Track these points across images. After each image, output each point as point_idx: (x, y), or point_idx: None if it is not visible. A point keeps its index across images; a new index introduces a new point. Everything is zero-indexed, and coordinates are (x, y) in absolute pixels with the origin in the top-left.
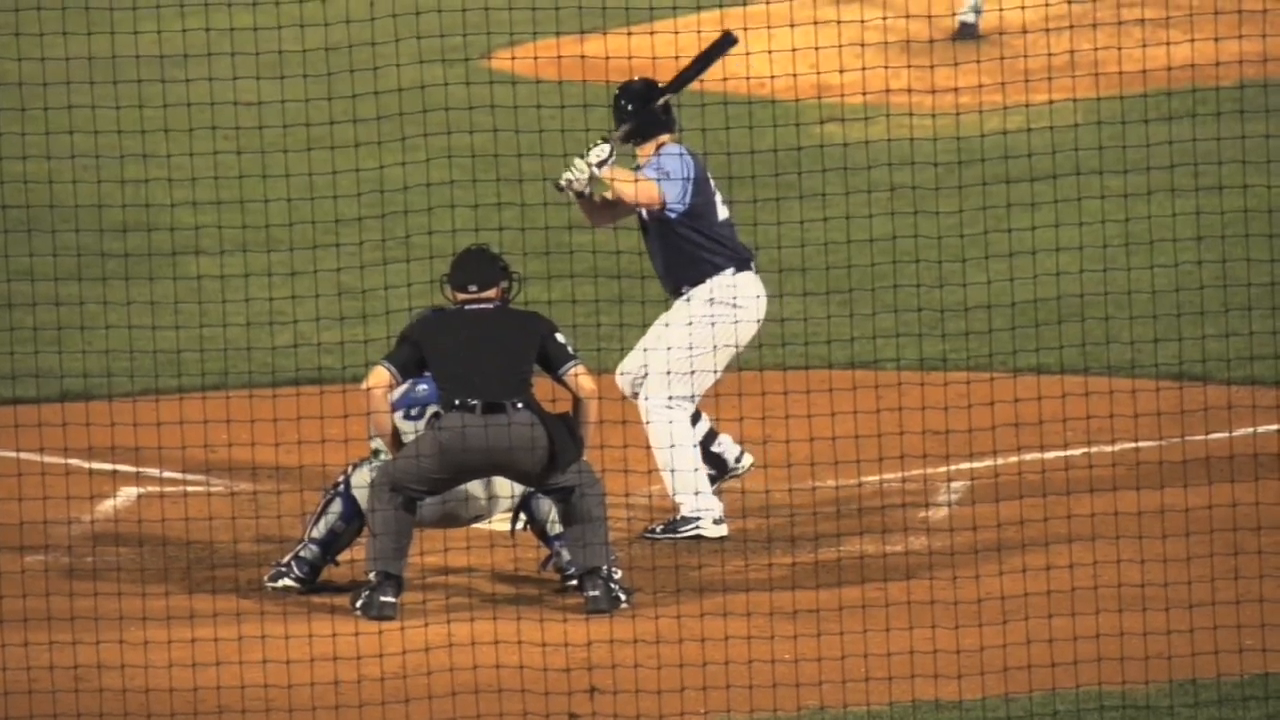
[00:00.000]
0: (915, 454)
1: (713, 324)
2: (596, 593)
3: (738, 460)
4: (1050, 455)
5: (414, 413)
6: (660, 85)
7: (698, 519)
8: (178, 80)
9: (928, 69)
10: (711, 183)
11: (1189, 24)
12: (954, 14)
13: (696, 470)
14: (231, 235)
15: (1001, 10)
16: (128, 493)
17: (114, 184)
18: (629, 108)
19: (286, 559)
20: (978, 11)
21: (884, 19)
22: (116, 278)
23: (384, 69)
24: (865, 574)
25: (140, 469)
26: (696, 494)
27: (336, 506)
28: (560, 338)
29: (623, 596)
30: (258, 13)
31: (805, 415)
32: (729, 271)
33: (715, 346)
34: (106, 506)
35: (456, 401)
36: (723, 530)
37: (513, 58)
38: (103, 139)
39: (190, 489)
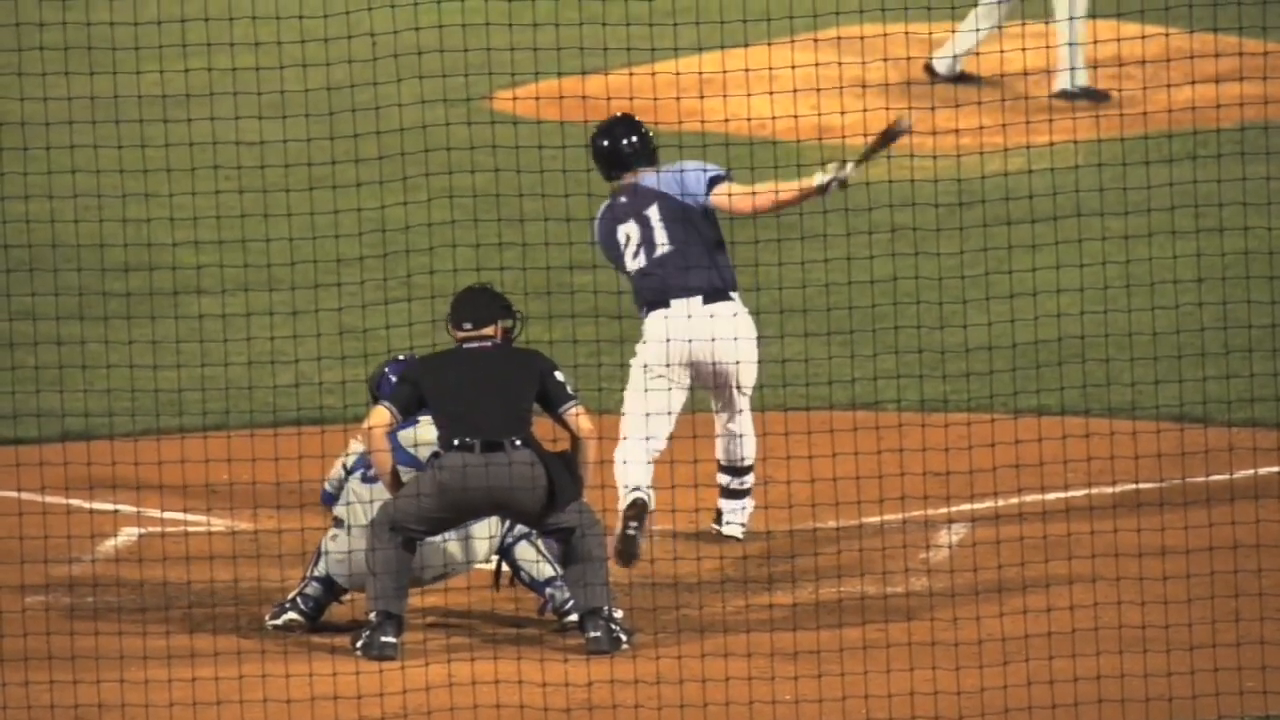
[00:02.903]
0: (916, 495)
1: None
2: (598, 634)
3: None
4: (1051, 496)
5: (370, 474)
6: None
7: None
8: (180, 120)
9: (929, 110)
10: (620, 233)
11: (1190, 66)
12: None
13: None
14: (233, 275)
15: (1002, 52)
16: (129, 532)
17: (116, 223)
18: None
19: (291, 595)
20: (1073, 68)
21: (884, 60)
22: (118, 317)
23: (386, 109)
24: (866, 615)
25: (141, 508)
26: (625, 463)
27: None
28: (560, 376)
29: (624, 637)
30: (260, 53)
31: (806, 456)
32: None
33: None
34: (107, 546)
35: (456, 441)
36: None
37: (514, 98)
38: (105, 178)
39: (191, 528)
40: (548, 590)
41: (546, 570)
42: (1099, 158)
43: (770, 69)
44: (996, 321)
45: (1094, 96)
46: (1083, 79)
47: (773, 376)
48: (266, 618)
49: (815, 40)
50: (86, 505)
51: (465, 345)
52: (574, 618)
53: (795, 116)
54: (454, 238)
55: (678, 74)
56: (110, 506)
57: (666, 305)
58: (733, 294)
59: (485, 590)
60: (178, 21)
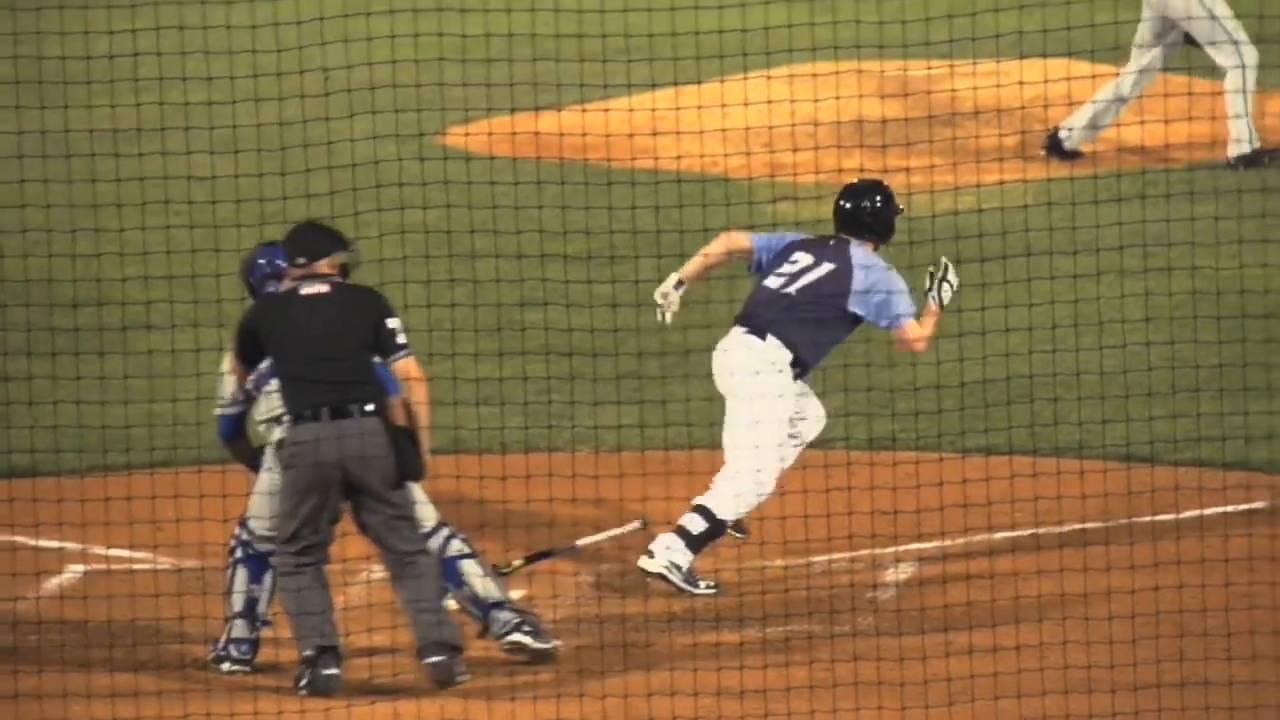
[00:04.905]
0: (864, 534)
1: None
2: (441, 657)
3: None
4: (998, 536)
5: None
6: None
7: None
8: (131, 154)
9: (880, 149)
10: (797, 253)
11: (1139, 106)
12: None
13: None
14: (183, 310)
15: (954, 92)
16: (74, 569)
17: (65, 258)
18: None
19: (222, 643)
20: (1254, 143)
21: (837, 98)
22: (66, 353)
23: (338, 144)
24: (813, 654)
25: (87, 545)
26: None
27: (242, 575)
28: (392, 324)
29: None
30: (212, 88)
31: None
32: None
33: None
34: (52, 584)
35: (302, 409)
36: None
37: (467, 134)
38: (54, 213)
39: (137, 565)
40: (492, 613)
41: (493, 592)
42: (1048, 197)
43: (723, 106)
44: (945, 360)
45: (1265, 159)
46: (1256, 142)
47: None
48: (209, 658)
49: (768, 77)
50: (31, 542)
51: (302, 290)
52: (517, 637)
53: (747, 154)
54: (405, 274)
55: (631, 111)
56: (56, 544)
57: (739, 325)
58: (792, 363)
59: None
60: (130, 56)
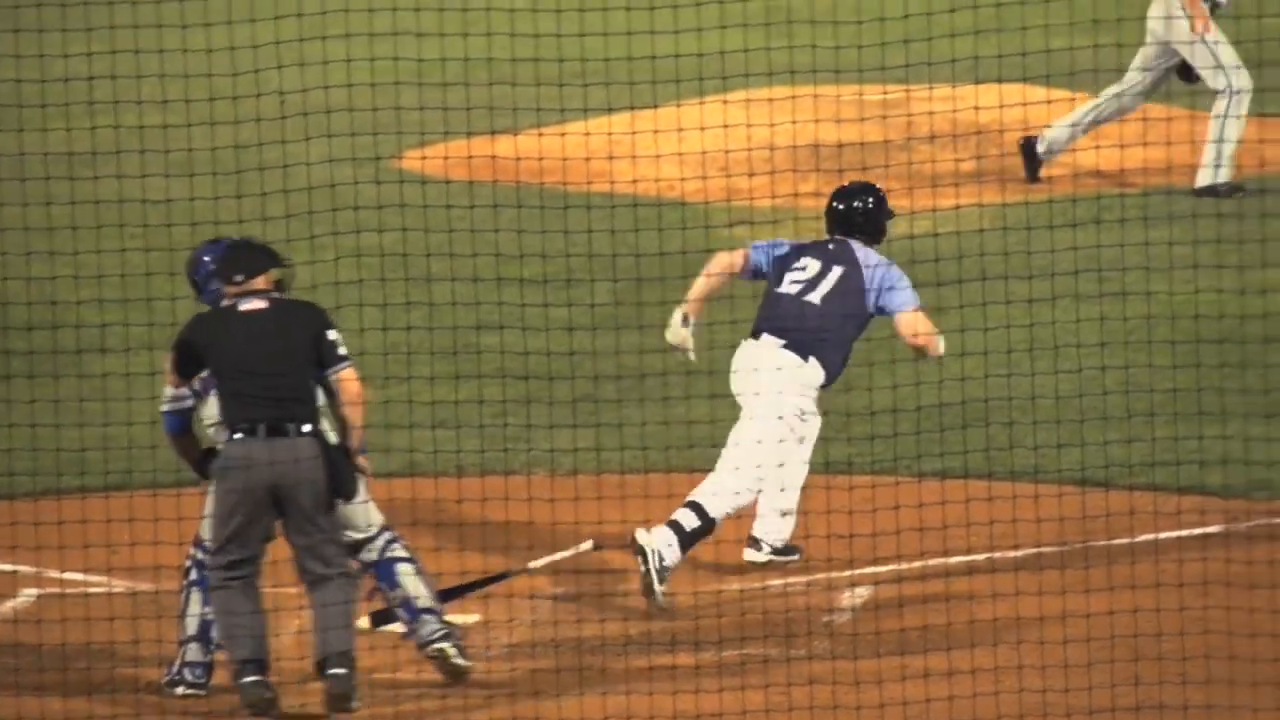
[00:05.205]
0: (820, 557)
1: None
2: (342, 670)
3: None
4: (954, 560)
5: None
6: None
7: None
8: (86, 178)
9: (836, 173)
10: (804, 259)
11: (1093, 131)
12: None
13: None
14: (138, 333)
15: (910, 117)
16: (28, 593)
17: (19, 281)
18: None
19: (176, 667)
20: (1219, 165)
21: (793, 123)
22: (20, 376)
23: (294, 167)
24: (769, 678)
25: (41, 569)
26: (760, 517)
27: (196, 598)
28: (332, 335)
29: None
30: (168, 111)
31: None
32: None
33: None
34: (6, 607)
35: (239, 426)
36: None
37: (423, 158)
38: (9, 236)
39: (92, 589)
40: (422, 617)
41: (426, 598)
42: (1004, 221)
43: (679, 130)
44: (901, 385)
45: (1224, 190)
46: (1225, 175)
47: (679, 438)
48: (163, 682)
49: (725, 102)
50: None
51: (241, 307)
52: (443, 646)
53: (704, 178)
54: (360, 297)
55: (587, 135)
56: (9, 567)
57: (754, 337)
58: (820, 385)
59: (365, 652)
60: (85, 79)
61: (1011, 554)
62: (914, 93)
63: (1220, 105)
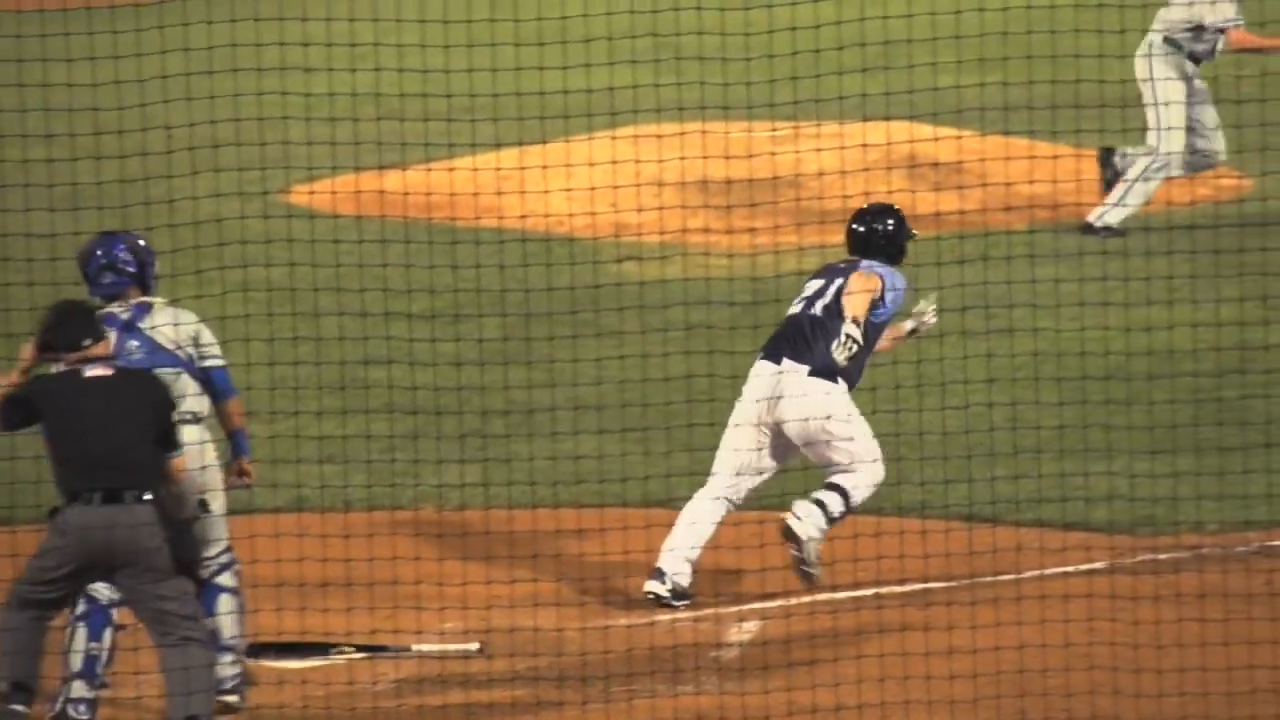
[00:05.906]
0: (707, 593)
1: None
2: None
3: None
4: (841, 595)
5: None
6: None
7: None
8: None
9: (724, 209)
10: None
11: (981, 168)
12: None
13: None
14: None
15: (798, 153)
16: None
17: None
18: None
19: (60, 704)
20: (1120, 204)
21: (681, 159)
22: None
23: (180, 202)
24: (656, 714)
25: None
26: (671, 551)
27: (81, 634)
28: (175, 417)
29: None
30: (53, 145)
31: (599, 553)
32: None
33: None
34: None
35: (75, 491)
36: (674, 602)
37: (311, 192)
38: None
39: None
40: (223, 655)
41: (232, 636)
42: None
43: (568, 166)
44: None
45: (1104, 233)
46: (1114, 219)
47: (566, 473)
48: (46, 719)
49: (613, 138)
50: None
51: (86, 373)
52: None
53: (592, 214)
54: (247, 331)
55: (475, 170)
56: None
57: (769, 360)
58: (838, 380)
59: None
60: None
61: (899, 589)
62: (802, 129)
63: (1143, 164)
